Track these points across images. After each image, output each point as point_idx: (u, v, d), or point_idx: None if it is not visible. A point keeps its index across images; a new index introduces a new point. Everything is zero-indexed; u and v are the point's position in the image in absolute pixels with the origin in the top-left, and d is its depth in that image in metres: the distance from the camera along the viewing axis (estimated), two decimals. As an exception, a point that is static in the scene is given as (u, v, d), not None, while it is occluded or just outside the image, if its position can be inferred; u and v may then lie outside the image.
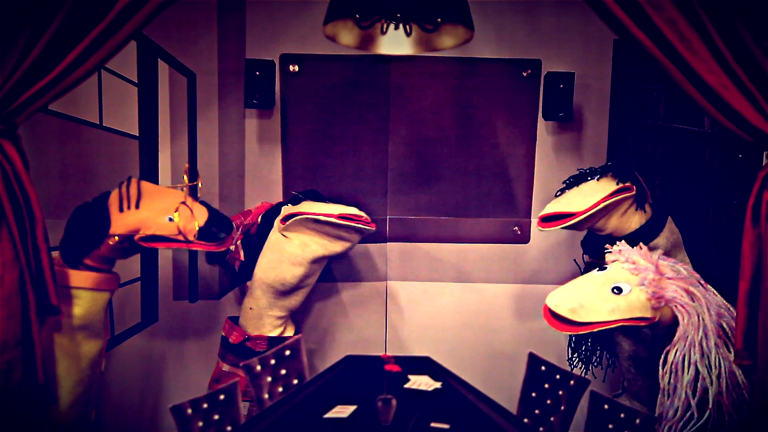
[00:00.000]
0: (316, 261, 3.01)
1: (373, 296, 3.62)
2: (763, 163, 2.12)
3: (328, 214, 2.87)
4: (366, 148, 3.52)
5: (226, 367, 3.07)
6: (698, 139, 3.07)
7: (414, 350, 3.62)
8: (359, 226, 2.94)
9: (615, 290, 2.28)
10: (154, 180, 3.23)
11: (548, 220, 2.75)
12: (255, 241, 3.10)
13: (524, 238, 3.61)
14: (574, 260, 3.29)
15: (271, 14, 3.35)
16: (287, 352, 2.58)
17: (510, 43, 3.44)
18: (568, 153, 3.54)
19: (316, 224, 2.91)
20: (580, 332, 2.30)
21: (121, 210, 2.50)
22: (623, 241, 2.54)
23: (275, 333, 3.07)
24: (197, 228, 2.52)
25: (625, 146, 3.53)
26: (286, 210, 3.03)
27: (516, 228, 3.61)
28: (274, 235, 3.04)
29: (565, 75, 3.35)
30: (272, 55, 3.35)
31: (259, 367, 2.47)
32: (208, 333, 3.47)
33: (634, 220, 2.78)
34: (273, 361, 2.53)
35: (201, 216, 2.57)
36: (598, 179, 2.75)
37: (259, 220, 3.15)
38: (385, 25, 2.42)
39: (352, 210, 2.97)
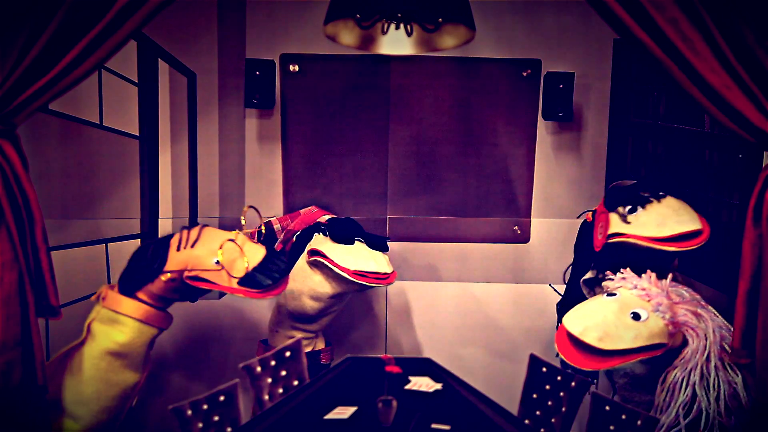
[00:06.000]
0: (335, 296, 2.98)
1: (373, 296, 3.61)
2: (764, 164, 2.12)
3: (343, 268, 2.83)
4: (366, 148, 3.52)
5: None
6: (698, 139, 3.07)
7: (414, 350, 3.62)
8: (371, 285, 2.89)
9: (633, 316, 2.26)
10: (155, 180, 3.23)
11: (673, 240, 2.57)
12: (287, 259, 3.08)
13: (524, 238, 3.61)
14: (550, 285, 3.32)
15: (271, 14, 3.35)
16: (287, 354, 2.58)
17: (510, 43, 3.44)
18: (568, 153, 3.54)
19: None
20: (602, 368, 2.26)
21: (178, 249, 2.50)
22: (628, 268, 2.52)
23: (307, 349, 3.02)
24: (245, 269, 2.42)
25: (625, 146, 3.53)
26: (317, 241, 2.99)
27: (516, 228, 3.60)
28: (301, 262, 3.00)
29: (565, 75, 3.35)
30: (272, 55, 3.35)
31: (259, 369, 2.46)
32: (209, 333, 3.46)
33: None
34: (273, 363, 2.52)
35: (255, 257, 2.47)
36: (673, 195, 2.69)
37: (294, 239, 3.11)
38: (385, 25, 2.41)
39: (374, 261, 2.88)
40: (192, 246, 2.48)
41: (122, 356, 2.47)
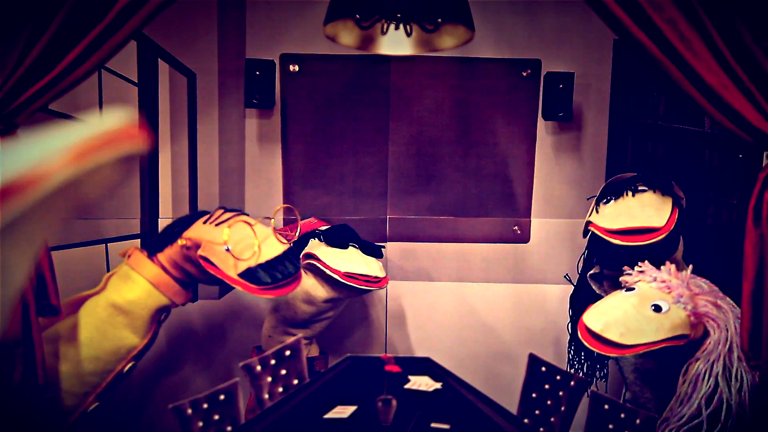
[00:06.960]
0: (328, 301, 3.00)
1: (373, 296, 3.62)
2: (764, 164, 2.12)
3: (334, 270, 2.86)
4: (366, 148, 3.52)
5: None
6: (698, 139, 3.07)
7: (414, 350, 3.62)
8: (361, 288, 2.91)
9: (654, 308, 2.26)
10: (155, 180, 3.23)
11: (623, 233, 2.57)
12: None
13: (524, 238, 3.61)
14: (566, 276, 3.31)
15: (271, 14, 3.35)
16: (287, 353, 2.58)
17: (510, 43, 3.44)
18: (568, 153, 3.54)
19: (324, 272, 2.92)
20: (626, 354, 2.26)
21: (204, 222, 2.50)
22: (646, 261, 2.49)
23: None
24: (253, 257, 2.33)
25: (625, 146, 3.53)
26: (311, 246, 3.02)
27: (516, 228, 3.61)
28: None
29: (564, 75, 3.35)
30: (272, 55, 3.35)
31: (259, 368, 2.47)
32: (209, 333, 3.47)
33: None
34: (273, 361, 2.53)
35: (269, 251, 2.38)
36: (655, 191, 2.67)
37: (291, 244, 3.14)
38: (385, 26, 2.42)
39: (366, 265, 2.92)
40: (217, 225, 2.48)
41: (124, 312, 2.46)
